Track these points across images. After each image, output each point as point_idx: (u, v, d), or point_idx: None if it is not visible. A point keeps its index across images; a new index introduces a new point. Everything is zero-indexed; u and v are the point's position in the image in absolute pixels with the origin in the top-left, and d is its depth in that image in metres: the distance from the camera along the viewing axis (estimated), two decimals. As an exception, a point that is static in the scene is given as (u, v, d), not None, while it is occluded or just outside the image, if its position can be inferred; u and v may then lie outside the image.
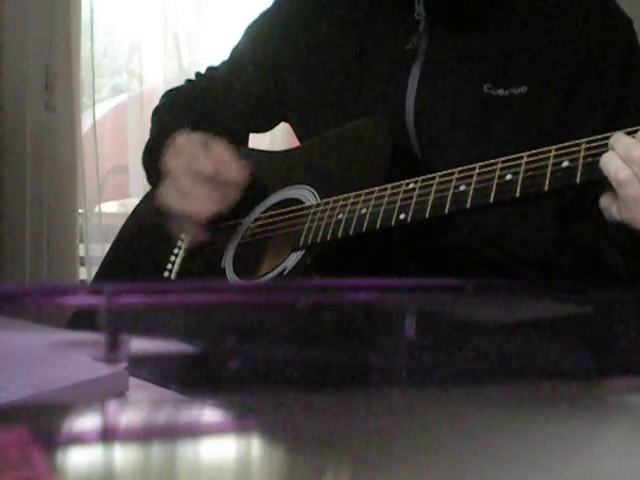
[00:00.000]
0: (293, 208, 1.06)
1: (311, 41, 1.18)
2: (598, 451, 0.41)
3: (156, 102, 1.31)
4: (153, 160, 1.15)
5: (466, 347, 0.59)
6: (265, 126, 1.32)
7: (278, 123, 1.30)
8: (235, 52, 1.28)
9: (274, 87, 1.22)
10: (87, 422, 0.46)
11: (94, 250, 2.15)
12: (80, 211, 2.15)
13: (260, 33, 1.25)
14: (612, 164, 0.81)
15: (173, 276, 1.14)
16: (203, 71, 1.32)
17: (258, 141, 1.32)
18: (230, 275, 1.09)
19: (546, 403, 0.49)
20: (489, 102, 1.05)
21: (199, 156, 1.06)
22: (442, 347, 0.60)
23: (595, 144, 0.83)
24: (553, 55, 1.05)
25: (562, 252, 1.06)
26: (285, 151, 1.26)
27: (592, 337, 0.65)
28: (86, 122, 2.20)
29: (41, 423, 0.44)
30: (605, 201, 0.85)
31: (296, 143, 1.24)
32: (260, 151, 1.27)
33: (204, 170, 1.05)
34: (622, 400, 0.52)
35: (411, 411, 0.48)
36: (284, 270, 1.01)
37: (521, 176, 0.86)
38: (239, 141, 1.26)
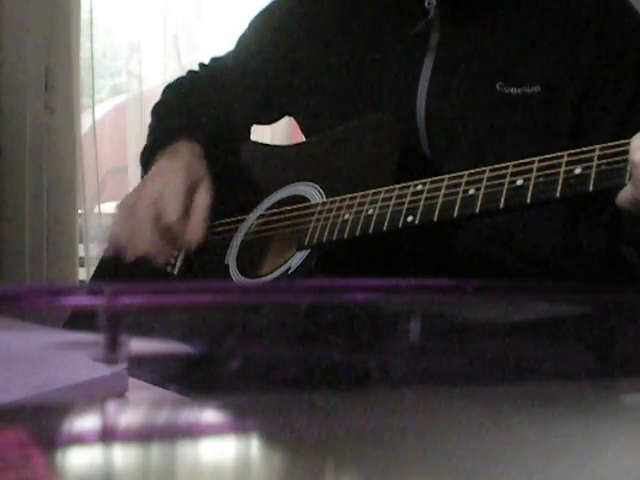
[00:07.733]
0: (298, 206, 1.05)
1: (320, 33, 1.17)
2: (602, 452, 0.41)
3: (156, 103, 1.30)
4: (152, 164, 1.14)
5: (468, 348, 0.59)
6: (270, 118, 1.31)
7: (283, 116, 1.29)
8: (242, 42, 1.27)
9: (282, 79, 1.21)
10: (87, 422, 0.46)
11: (94, 250, 2.15)
12: (80, 211, 2.15)
13: (269, 24, 1.24)
14: (636, 142, 0.78)
15: (176, 271, 1.13)
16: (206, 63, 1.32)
17: (258, 137, 1.31)
18: (234, 272, 1.08)
19: (550, 404, 0.49)
20: (501, 100, 1.04)
21: (172, 200, 1.04)
22: (444, 348, 0.60)
23: (609, 151, 0.80)
24: (568, 56, 1.04)
25: (571, 253, 1.05)
26: (290, 146, 1.25)
27: (596, 337, 0.65)
28: (86, 123, 2.20)
29: (41, 423, 0.44)
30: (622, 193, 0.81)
31: (297, 139, 1.23)
32: (265, 145, 1.26)
33: (166, 218, 1.04)
34: (630, 401, 0.52)
35: (412, 412, 0.48)
36: (288, 269, 1.00)
37: (532, 182, 0.83)
38: (242, 132, 1.26)
